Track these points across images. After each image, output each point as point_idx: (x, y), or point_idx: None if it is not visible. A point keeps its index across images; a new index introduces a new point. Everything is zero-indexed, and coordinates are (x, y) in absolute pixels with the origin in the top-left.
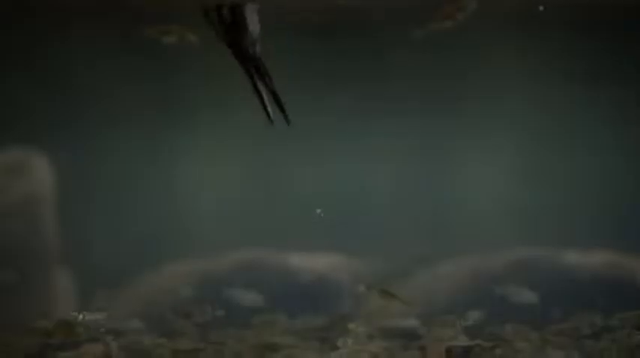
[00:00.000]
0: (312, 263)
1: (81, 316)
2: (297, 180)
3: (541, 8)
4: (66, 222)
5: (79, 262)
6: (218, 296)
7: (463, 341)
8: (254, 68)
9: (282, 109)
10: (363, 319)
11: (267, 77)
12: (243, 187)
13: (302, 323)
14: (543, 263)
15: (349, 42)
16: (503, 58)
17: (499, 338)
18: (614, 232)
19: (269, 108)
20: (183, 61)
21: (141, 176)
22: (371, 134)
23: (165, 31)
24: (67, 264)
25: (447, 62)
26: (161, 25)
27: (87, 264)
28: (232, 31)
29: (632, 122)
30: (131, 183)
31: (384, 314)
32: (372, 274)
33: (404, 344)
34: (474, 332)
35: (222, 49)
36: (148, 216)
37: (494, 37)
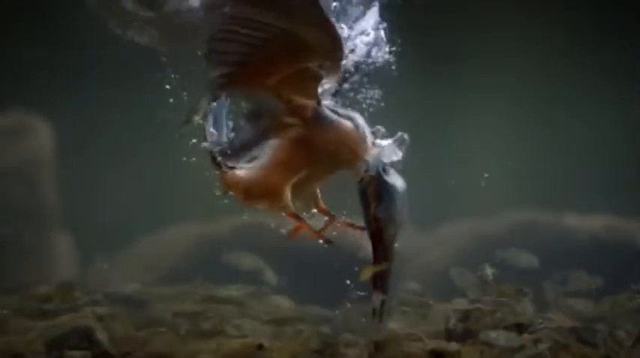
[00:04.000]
0: (312, 225)
1: None
2: None
3: None
4: (66, 186)
5: (78, 226)
6: (218, 259)
7: (463, 304)
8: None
9: (380, 314)
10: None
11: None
12: None
13: (302, 287)
14: (544, 226)
15: None
16: (505, 18)
17: (499, 301)
18: (614, 196)
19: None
20: None
21: (141, 140)
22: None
23: None
24: (66, 227)
25: (448, 22)
26: None
27: (87, 227)
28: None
29: (633, 88)
30: (131, 147)
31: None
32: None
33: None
34: (470, 294)
35: None
36: (148, 180)
37: None
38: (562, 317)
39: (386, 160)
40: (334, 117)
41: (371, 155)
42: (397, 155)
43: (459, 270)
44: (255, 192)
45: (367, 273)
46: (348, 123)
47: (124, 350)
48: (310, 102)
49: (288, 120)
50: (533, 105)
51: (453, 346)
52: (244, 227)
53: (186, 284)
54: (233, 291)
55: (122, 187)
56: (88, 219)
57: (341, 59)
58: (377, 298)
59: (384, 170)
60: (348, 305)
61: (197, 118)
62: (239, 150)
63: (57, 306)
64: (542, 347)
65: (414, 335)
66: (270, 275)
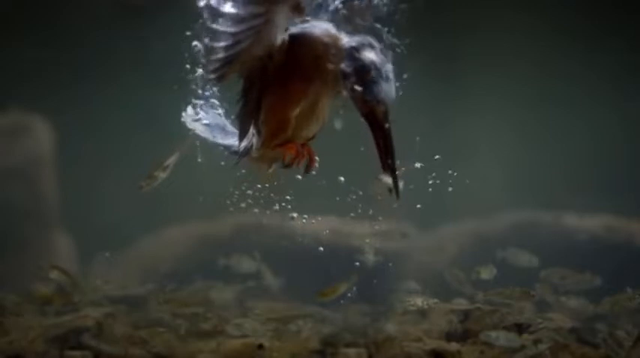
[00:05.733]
0: (312, 226)
1: None
2: None
3: None
4: (66, 186)
5: (79, 226)
6: (218, 259)
7: (463, 304)
8: (384, 140)
9: (397, 190)
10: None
11: (392, 155)
12: None
13: (302, 287)
14: (544, 226)
15: None
16: (504, 16)
17: (498, 300)
18: (614, 196)
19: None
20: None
21: (142, 139)
22: None
23: None
24: (67, 227)
25: (448, 21)
26: None
27: (87, 228)
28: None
29: (633, 88)
30: (132, 145)
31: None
32: (374, 237)
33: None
34: (475, 295)
35: None
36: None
37: None
38: (562, 317)
39: (356, 44)
40: (299, 31)
41: (343, 44)
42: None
43: (454, 272)
44: (275, 134)
45: (329, 294)
46: (312, 29)
47: (124, 350)
48: (282, 37)
49: (271, 65)
50: (534, 105)
51: (453, 346)
52: (244, 227)
53: (186, 284)
54: (233, 291)
55: (122, 187)
56: (88, 219)
57: None
58: (388, 178)
59: (357, 50)
60: (349, 304)
61: (162, 175)
62: (248, 123)
63: (57, 306)
64: (542, 347)
65: (414, 335)
66: (270, 275)
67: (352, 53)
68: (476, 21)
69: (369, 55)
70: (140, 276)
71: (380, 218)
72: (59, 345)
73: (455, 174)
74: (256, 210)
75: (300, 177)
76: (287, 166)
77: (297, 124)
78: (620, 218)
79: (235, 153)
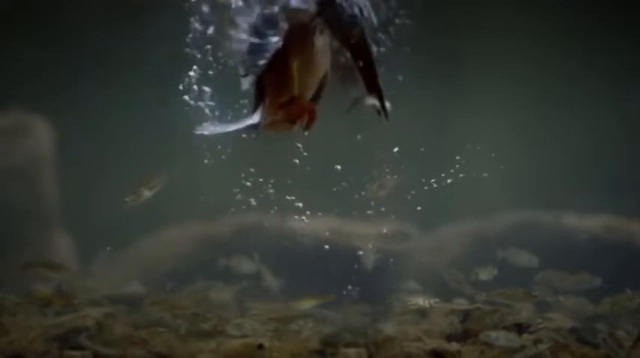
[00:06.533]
0: (312, 227)
1: None
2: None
3: None
4: (67, 185)
5: (78, 226)
6: (218, 259)
7: (463, 304)
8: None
9: (385, 112)
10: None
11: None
12: (251, 153)
13: (302, 287)
14: (544, 226)
15: None
16: (504, 16)
17: (499, 300)
18: (613, 196)
19: (386, 105)
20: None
21: (142, 139)
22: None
23: None
24: (67, 227)
25: (448, 22)
26: None
27: (87, 228)
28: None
29: (633, 88)
30: (132, 145)
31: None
32: (375, 237)
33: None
34: (475, 295)
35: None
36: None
37: None
38: (562, 317)
39: None
40: None
41: None
42: None
43: (452, 272)
44: (280, 92)
45: (306, 303)
46: None
47: (124, 350)
48: None
49: None
50: (534, 105)
51: (453, 346)
52: (244, 227)
53: (186, 284)
54: (233, 292)
55: (122, 187)
56: (88, 218)
57: None
58: (374, 99)
59: None
60: (349, 304)
61: (148, 193)
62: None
63: (57, 306)
64: (542, 347)
65: (413, 335)
66: (270, 276)
67: None
68: (476, 21)
69: None
70: (140, 276)
71: (381, 219)
72: (59, 345)
73: (455, 174)
74: (254, 202)
75: (297, 161)
76: (292, 121)
77: (300, 81)
78: (620, 218)
79: (252, 127)
